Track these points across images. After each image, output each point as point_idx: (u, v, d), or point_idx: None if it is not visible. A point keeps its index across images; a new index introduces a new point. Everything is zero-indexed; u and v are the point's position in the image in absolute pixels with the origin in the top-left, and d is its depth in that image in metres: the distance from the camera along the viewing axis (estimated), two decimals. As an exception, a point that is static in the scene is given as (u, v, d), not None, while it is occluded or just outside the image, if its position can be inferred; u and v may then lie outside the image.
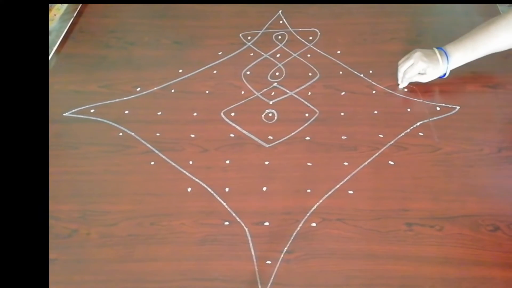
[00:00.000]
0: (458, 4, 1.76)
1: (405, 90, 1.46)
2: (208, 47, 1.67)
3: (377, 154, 1.30)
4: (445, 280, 1.06)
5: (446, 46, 1.40)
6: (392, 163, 1.28)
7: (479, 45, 1.37)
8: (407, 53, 1.44)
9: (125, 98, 1.50)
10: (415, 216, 1.17)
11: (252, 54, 1.63)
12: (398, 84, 1.47)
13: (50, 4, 1.86)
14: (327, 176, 1.27)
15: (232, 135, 1.37)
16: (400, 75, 1.45)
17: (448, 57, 1.38)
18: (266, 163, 1.30)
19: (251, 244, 1.14)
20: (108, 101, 1.49)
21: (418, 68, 1.40)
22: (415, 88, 1.45)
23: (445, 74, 1.42)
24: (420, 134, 1.34)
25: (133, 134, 1.39)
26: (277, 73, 1.55)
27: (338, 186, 1.24)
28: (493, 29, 1.34)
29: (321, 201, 1.21)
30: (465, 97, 1.43)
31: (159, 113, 1.45)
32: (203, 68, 1.59)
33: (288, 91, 1.49)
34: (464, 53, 1.38)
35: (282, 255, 1.12)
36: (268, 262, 1.11)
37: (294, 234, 1.15)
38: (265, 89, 1.50)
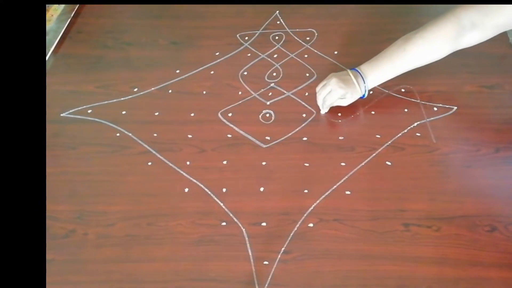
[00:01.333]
0: (454, 5, 1.75)
1: (326, 114, 1.43)
2: (205, 48, 1.67)
3: (374, 154, 1.31)
4: (442, 281, 1.07)
5: (362, 67, 1.37)
6: (389, 163, 1.28)
7: (396, 66, 1.35)
8: (326, 79, 1.39)
9: (122, 99, 1.50)
10: (412, 217, 1.17)
11: (249, 55, 1.63)
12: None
13: (47, 5, 1.86)
14: (324, 176, 1.27)
15: (229, 136, 1.37)
16: (319, 102, 1.40)
17: (364, 79, 1.35)
18: (263, 163, 1.31)
19: (248, 245, 1.14)
20: (106, 102, 1.49)
21: (336, 95, 1.35)
22: (412, 88, 1.45)
23: (364, 95, 1.39)
24: (417, 134, 1.34)
25: (130, 134, 1.39)
26: (274, 74, 1.55)
27: (335, 186, 1.24)
28: (409, 49, 1.32)
29: (318, 201, 1.21)
30: (462, 97, 1.43)
31: (156, 114, 1.45)
32: (200, 68, 1.59)
33: (285, 92, 1.49)
34: (381, 74, 1.36)
35: (279, 256, 1.12)
36: (265, 262, 1.11)
37: (291, 234, 1.15)
38: (262, 90, 1.50)
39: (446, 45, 1.31)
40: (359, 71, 1.36)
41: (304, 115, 1.42)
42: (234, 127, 1.39)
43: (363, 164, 1.29)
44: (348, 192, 1.23)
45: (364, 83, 1.35)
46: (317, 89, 1.40)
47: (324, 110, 1.42)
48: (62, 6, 1.87)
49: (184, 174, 1.29)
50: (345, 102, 1.38)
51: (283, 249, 1.13)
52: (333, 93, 1.35)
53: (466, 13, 1.26)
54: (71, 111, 1.47)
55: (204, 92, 1.50)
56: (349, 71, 1.37)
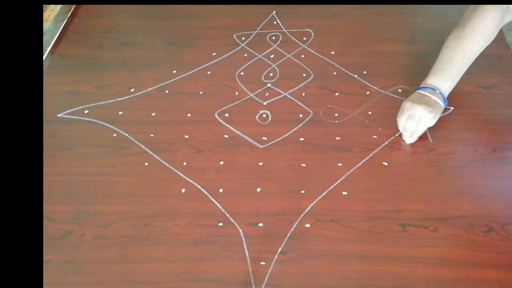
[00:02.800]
0: (452, 6, 1.75)
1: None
2: (202, 48, 1.67)
3: (371, 155, 1.30)
4: (439, 281, 1.06)
5: (430, 81, 1.33)
6: (386, 164, 1.28)
7: (461, 66, 1.34)
8: (405, 109, 1.30)
9: (119, 99, 1.50)
10: (409, 217, 1.17)
11: (246, 55, 1.63)
12: (404, 140, 1.35)
13: (44, 5, 1.86)
14: (321, 177, 1.27)
15: (226, 136, 1.37)
16: (407, 134, 1.32)
17: (442, 93, 1.32)
18: (260, 164, 1.30)
19: (245, 245, 1.14)
20: (102, 102, 1.49)
21: (428, 122, 1.29)
22: (409, 88, 1.45)
23: (445, 104, 1.35)
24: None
25: (127, 135, 1.39)
26: (271, 74, 1.55)
27: (332, 187, 1.24)
28: (466, 45, 1.31)
29: (315, 202, 1.21)
30: (460, 98, 1.43)
31: (153, 114, 1.44)
32: (197, 68, 1.58)
33: (282, 92, 1.49)
34: (452, 80, 1.33)
35: (276, 256, 1.12)
36: (262, 263, 1.11)
37: (288, 235, 1.15)
38: (259, 90, 1.50)
39: (495, 28, 1.33)
40: (431, 86, 1.32)
41: (301, 115, 1.41)
42: (231, 128, 1.39)
43: (360, 164, 1.29)
44: (345, 193, 1.23)
45: (442, 96, 1.31)
46: (401, 123, 1.31)
47: (412, 140, 1.34)
48: (59, 6, 1.87)
49: (180, 174, 1.29)
50: (433, 123, 1.32)
51: (280, 249, 1.13)
52: (424, 121, 1.28)
53: None
54: (67, 111, 1.47)
55: (201, 93, 1.50)
56: (422, 92, 1.32)
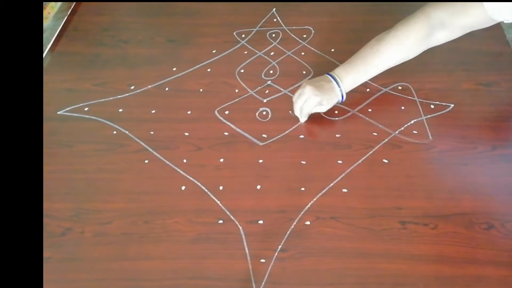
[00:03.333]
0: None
1: (304, 123, 1.42)
2: (202, 45, 1.66)
3: (371, 152, 1.31)
4: (439, 279, 1.07)
5: (336, 71, 1.35)
6: (386, 161, 1.28)
7: (371, 67, 1.34)
8: (300, 87, 1.36)
9: (119, 97, 1.50)
10: (409, 214, 1.17)
11: (246, 52, 1.63)
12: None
13: (44, 2, 1.86)
14: (321, 174, 1.27)
15: (226, 134, 1.37)
16: (297, 112, 1.38)
17: (339, 83, 1.34)
18: (260, 161, 1.30)
19: (245, 243, 1.14)
20: (102, 100, 1.49)
21: (313, 103, 1.33)
22: (409, 86, 1.45)
23: (342, 99, 1.37)
24: (414, 132, 1.34)
25: (127, 132, 1.39)
26: (271, 71, 1.55)
27: (332, 184, 1.24)
28: (383, 49, 1.31)
29: (315, 199, 1.21)
30: (459, 95, 1.43)
31: (153, 112, 1.44)
32: (197, 66, 1.58)
33: (282, 89, 1.49)
34: (356, 77, 1.35)
35: (276, 254, 1.12)
36: (262, 260, 1.11)
37: (288, 232, 1.15)
38: (259, 87, 1.50)
39: (417, 44, 1.31)
40: (333, 75, 1.35)
41: (301, 113, 1.41)
42: (231, 125, 1.39)
43: (360, 161, 1.29)
44: (345, 190, 1.23)
45: (339, 87, 1.34)
46: (294, 98, 1.38)
47: (303, 119, 1.40)
48: (59, 3, 1.87)
49: (180, 172, 1.29)
50: (323, 109, 1.37)
51: (280, 247, 1.13)
52: (309, 102, 1.33)
53: (435, 12, 1.25)
54: (67, 109, 1.47)
55: (201, 90, 1.50)
56: (324, 76, 1.36)
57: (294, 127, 1.38)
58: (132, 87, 1.52)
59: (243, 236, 1.15)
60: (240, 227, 1.17)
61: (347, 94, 1.37)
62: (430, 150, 1.30)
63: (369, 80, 1.40)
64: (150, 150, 1.34)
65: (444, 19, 1.25)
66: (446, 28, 1.26)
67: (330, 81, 1.34)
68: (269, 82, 1.52)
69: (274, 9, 1.80)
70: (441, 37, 1.29)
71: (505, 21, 1.19)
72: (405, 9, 1.70)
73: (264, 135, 1.36)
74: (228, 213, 1.20)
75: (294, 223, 1.17)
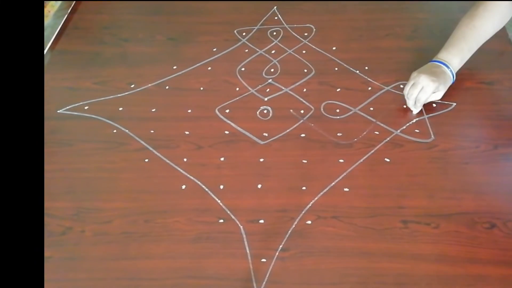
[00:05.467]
0: (453, 1, 1.75)
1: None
2: (203, 44, 1.66)
3: (372, 151, 1.30)
4: (440, 278, 1.06)
5: (440, 55, 1.38)
6: (388, 160, 1.28)
7: (472, 43, 1.38)
8: (411, 78, 1.37)
9: (119, 95, 1.49)
10: (410, 214, 1.17)
11: (246, 51, 1.62)
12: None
13: (44, 1, 1.85)
14: (322, 173, 1.26)
15: (226, 132, 1.37)
16: (411, 102, 1.37)
17: (449, 66, 1.36)
18: (261, 160, 1.30)
19: (245, 242, 1.14)
20: (102, 98, 1.49)
21: (430, 90, 1.33)
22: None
23: (453, 82, 1.40)
24: (416, 131, 1.34)
25: (127, 131, 1.38)
26: (272, 70, 1.55)
27: (333, 183, 1.24)
28: (479, 24, 1.35)
29: (316, 198, 1.21)
30: (462, 93, 1.43)
31: (153, 110, 1.44)
32: (198, 64, 1.58)
33: (283, 88, 1.48)
34: (462, 56, 1.38)
35: (277, 253, 1.11)
36: (263, 260, 1.10)
37: (289, 231, 1.15)
38: (260, 86, 1.50)
39: (509, 10, 1.35)
40: (440, 61, 1.38)
41: (302, 111, 1.41)
42: (232, 124, 1.39)
43: (361, 160, 1.28)
44: (346, 189, 1.23)
45: (449, 69, 1.37)
46: (406, 91, 1.37)
47: (417, 110, 1.39)
48: (59, 2, 1.86)
49: (181, 171, 1.29)
50: (438, 95, 1.39)
51: (280, 246, 1.13)
52: (427, 89, 1.33)
53: None
54: (67, 107, 1.46)
55: (201, 88, 1.50)
56: (430, 64, 1.39)
57: (295, 125, 1.37)
58: (132, 86, 1.52)
59: (244, 236, 1.15)
60: (241, 227, 1.17)
61: (349, 91, 1.37)
62: (432, 149, 1.30)
63: (370, 78, 1.40)
64: (151, 149, 1.34)
65: None
66: None
67: (439, 66, 1.37)
68: (270, 81, 1.51)
69: (275, 7, 1.79)
70: None
71: None
72: (406, 7, 1.71)
73: (265, 134, 1.36)
74: (228, 212, 1.20)
75: (295, 223, 1.17)
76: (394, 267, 1.08)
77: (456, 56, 1.37)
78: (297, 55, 1.60)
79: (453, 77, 1.38)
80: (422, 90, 1.34)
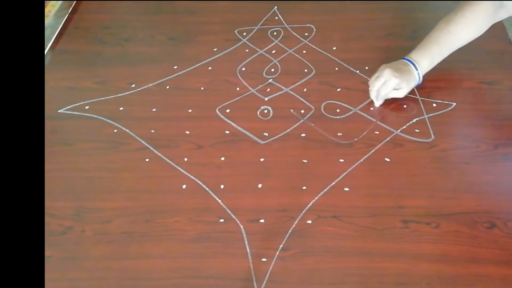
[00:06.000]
0: (453, 1, 1.75)
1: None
2: (203, 43, 1.66)
3: (373, 151, 1.30)
4: (441, 278, 1.06)
5: (411, 55, 1.39)
6: (388, 160, 1.28)
7: (444, 48, 1.39)
8: (378, 70, 1.39)
9: (119, 95, 1.49)
10: (411, 213, 1.17)
11: (247, 50, 1.62)
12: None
13: (45, 1, 1.85)
14: (322, 173, 1.26)
15: (227, 132, 1.37)
16: (373, 94, 1.40)
17: (417, 66, 1.37)
18: (262, 160, 1.30)
19: (246, 242, 1.14)
20: (103, 98, 1.49)
21: (392, 85, 1.36)
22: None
23: (419, 83, 1.40)
24: (416, 130, 1.34)
25: (127, 130, 1.38)
26: (272, 70, 1.55)
27: (333, 183, 1.24)
28: (454, 30, 1.36)
29: (316, 198, 1.21)
30: (462, 93, 1.43)
31: (153, 110, 1.44)
32: (198, 64, 1.58)
33: (283, 88, 1.48)
34: (431, 58, 1.39)
35: (277, 253, 1.11)
36: (264, 259, 1.10)
37: (289, 231, 1.15)
38: (260, 86, 1.50)
39: (485, 21, 1.36)
40: (409, 59, 1.38)
41: (302, 111, 1.41)
42: (232, 123, 1.39)
43: (361, 160, 1.28)
44: (346, 189, 1.23)
45: (417, 69, 1.37)
46: (370, 81, 1.41)
47: (378, 103, 1.41)
48: (60, 2, 1.87)
49: (181, 170, 1.29)
50: (401, 93, 1.39)
51: (281, 246, 1.12)
52: (388, 83, 1.36)
53: None
54: (68, 107, 1.46)
55: (202, 88, 1.50)
56: (399, 61, 1.40)
57: (295, 125, 1.37)
58: (133, 86, 1.52)
59: (244, 235, 1.15)
60: (241, 226, 1.17)
61: (349, 91, 1.37)
62: (432, 149, 1.30)
63: (370, 79, 1.40)
64: (151, 148, 1.34)
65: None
66: (504, 6, 1.31)
67: (407, 64, 1.38)
68: (270, 81, 1.51)
69: (275, 7, 1.79)
70: (502, 14, 1.35)
71: None
72: (406, 7, 1.71)
73: (266, 134, 1.36)
74: (229, 212, 1.20)
75: (296, 222, 1.17)
76: (394, 267, 1.08)
77: (426, 58, 1.38)
78: (297, 55, 1.60)
79: (419, 78, 1.39)
80: (384, 84, 1.36)
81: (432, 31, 1.39)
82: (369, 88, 1.41)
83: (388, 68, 1.36)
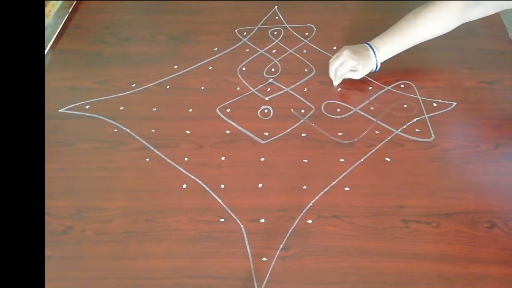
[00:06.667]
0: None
1: (338, 89, 1.47)
2: (204, 43, 1.66)
3: (373, 150, 1.30)
4: (441, 277, 1.06)
5: (373, 41, 1.42)
6: (388, 159, 1.28)
7: (406, 39, 1.40)
8: (339, 50, 1.43)
9: (120, 95, 1.49)
10: (411, 213, 1.17)
11: (247, 50, 1.62)
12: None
13: (45, 0, 1.85)
14: (323, 172, 1.26)
15: (227, 132, 1.37)
16: (331, 73, 1.45)
17: (376, 52, 1.40)
18: (262, 159, 1.30)
19: (246, 241, 1.14)
20: (103, 98, 1.49)
21: (348, 66, 1.40)
22: (412, 84, 1.45)
23: (377, 68, 1.43)
24: (417, 130, 1.34)
25: (128, 130, 1.38)
26: (272, 69, 1.55)
27: (334, 182, 1.24)
28: (420, 22, 1.36)
29: (317, 198, 1.21)
30: (462, 93, 1.43)
31: (154, 110, 1.44)
32: (199, 64, 1.58)
33: (283, 87, 1.48)
34: (391, 47, 1.41)
35: (277, 252, 1.11)
36: (264, 259, 1.10)
37: (289, 231, 1.15)
38: (260, 85, 1.50)
39: (454, 18, 1.35)
40: (371, 44, 1.40)
41: (302, 110, 1.41)
42: (232, 123, 1.39)
43: (362, 160, 1.28)
44: (347, 189, 1.23)
45: (375, 55, 1.39)
46: (330, 60, 1.45)
47: (336, 82, 1.45)
48: (60, 1, 1.86)
49: (182, 170, 1.29)
50: (357, 75, 1.42)
51: (281, 245, 1.13)
52: (345, 64, 1.39)
53: None
54: (68, 107, 1.46)
55: (202, 88, 1.50)
56: (361, 44, 1.42)
57: (296, 125, 1.38)
58: (133, 85, 1.52)
59: (245, 235, 1.15)
60: (242, 226, 1.17)
61: (349, 91, 1.37)
62: (432, 149, 1.30)
63: (371, 78, 1.40)
64: (151, 148, 1.34)
65: None
66: (481, 4, 1.30)
67: (367, 48, 1.40)
68: (270, 80, 1.51)
69: (275, 6, 1.79)
70: (477, 13, 1.34)
71: None
72: (407, 6, 1.70)
73: (266, 133, 1.36)
74: (229, 211, 1.20)
75: (296, 222, 1.17)
76: (394, 267, 1.08)
77: (386, 45, 1.40)
78: (297, 55, 1.60)
79: (377, 65, 1.42)
80: (342, 64, 1.41)
81: (400, 21, 1.41)
82: (329, 67, 1.45)
83: (348, 49, 1.40)
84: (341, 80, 1.45)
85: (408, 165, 1.27)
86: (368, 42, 1.42)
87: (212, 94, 1.48)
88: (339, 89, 1.46)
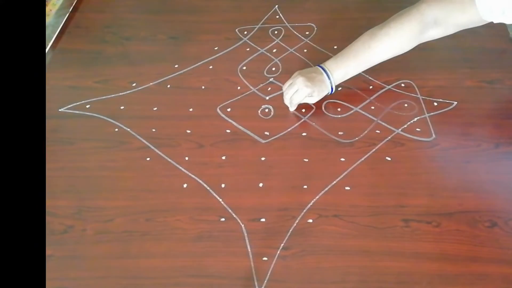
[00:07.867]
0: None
1: (339, 89, 1.45)
2: (204, 42, 1.66)
3: (374, 150, 1.30)
4: (442, 277, 1.06)
5: (327, 64, 1.37)
6: (389, 159, 1.28)
7: (361, 62, 1.36)
8: (292, 77, 1.39)
9: (120, 94, 1.49)
10: (412, 212, 1.17)
11: (248, 49, 1.62)
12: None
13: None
14: (323, 172, 1.26)
15: (228, 131, 1.37)
16: (287, 101, 1.40)
17: (330, 76, 1.35)
18: (263, 159, 1.30)
19: (247, 241, 1.14)
20: (104, 97, 1.49)
21: (303, 94, 1.35)
22: (412, 83, 1.45)
23: (332, 91, 1.39)
24: (417, 129, 1.34)
25: (128, 129, 1.38)
26: (273, 68, 1.55)
27: (334, 182, 1.24)
28: (374, 46, 1.31)
29: (317, 197, 1.21)
30: (463, 92, 1.43)
31: (154, 109, 1.44)
32: (199, 63, 1.58)
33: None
34: (346, 70, 1.36)
35: (278, 252, 1.11)
36: (264, 258, 1.10)
37: (290, 230, 1.15)
38: (261, 85, 1.50)
39: (409, 41, 1.30)
40: (325, 68, 1.36)
41: (303, 110, 1.41)
42: (233, 122, 1.39)
43: (362, 159, 1.28)
44: (347, 188, 1.23)
45: (330, 79, 1.35)
46: (284, 88, 1.40)
47: (292, 108, 1.41)
48: (61, 0, 1.86)
49: (182, 169, 1.29)
50: (312, 100, 1.39)
51: (282, 245, 1.13)
52: (300, 92, 1.35)
53: (431, 10, 1.23)
54: (69, 106, 1.46)
55: (203, 87, 1.50)
56: (315, 68, 1.38)
57: (296, 124, 1.38)
58: (134, 85, 1.52)
59: (245, 234, 1.15)
60: (242, 225, 1.17)
61: (350, 90, 1.37)
62: (433, 148, 1.30)
63: (371, 77, 1.40)
64: (152, 147, 1.34)
65: (438, 17, 1.23)
66: (439, 25, 1.25)
67: (321, 73, 1.36)
68: (271, 79, 1.51)
69: (276, 6, 1.79)
70: (434, 33, 1.28)
71: (495, 22, 1.18)
72: (407, 6, 1.70)
73: (267, 133, 1.36)
74: (230, 211, 1.20)
75: (297, 221, 1.17)
76: (395, 266, 1.08)
77: (340, 69, 1.35)
78: (298, 54, 1.60)
79: (332, 88, 1.38)
80: (297, 92, 1.36)
81: (355, 42, 1.36)
82: (284, 95, 1.40)
83: (301, 76, 1.35)
84: (296, 106, 1.41)
85: (408, 164, 1.27)
86: (321, 65, 1.37)
87: (213, 93, 1.48)
88: (340, 88, 1.46)
